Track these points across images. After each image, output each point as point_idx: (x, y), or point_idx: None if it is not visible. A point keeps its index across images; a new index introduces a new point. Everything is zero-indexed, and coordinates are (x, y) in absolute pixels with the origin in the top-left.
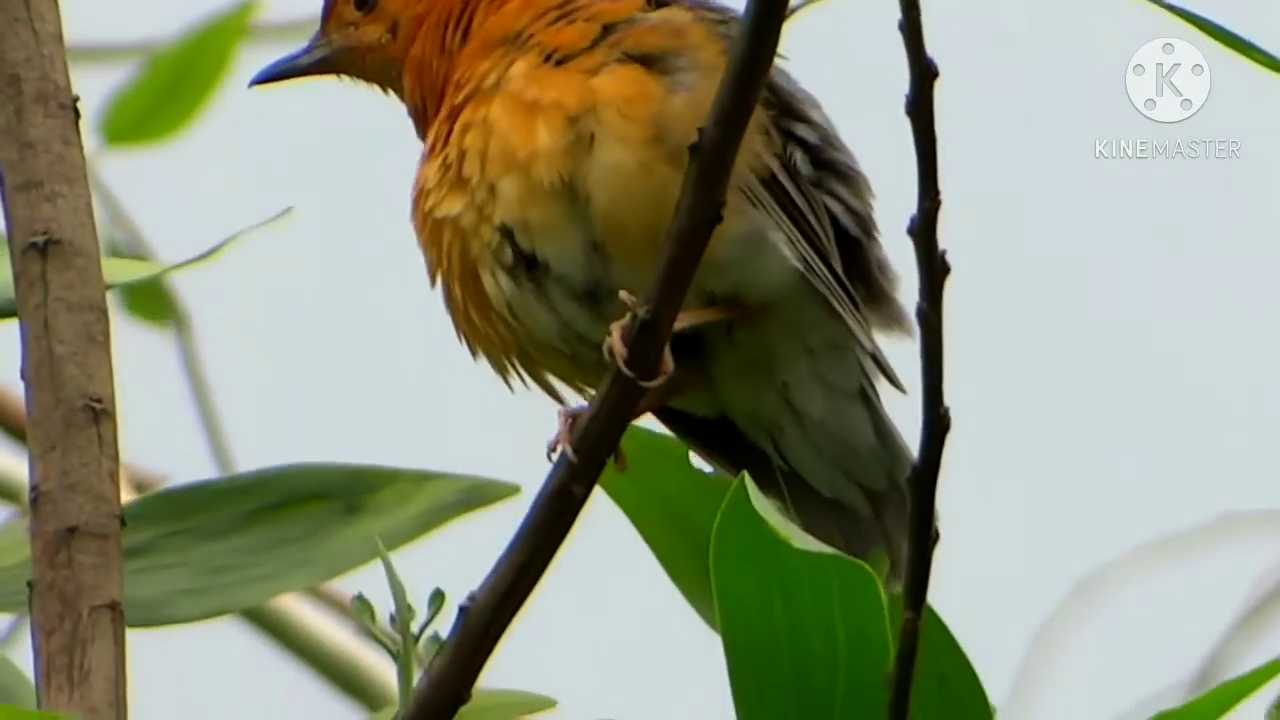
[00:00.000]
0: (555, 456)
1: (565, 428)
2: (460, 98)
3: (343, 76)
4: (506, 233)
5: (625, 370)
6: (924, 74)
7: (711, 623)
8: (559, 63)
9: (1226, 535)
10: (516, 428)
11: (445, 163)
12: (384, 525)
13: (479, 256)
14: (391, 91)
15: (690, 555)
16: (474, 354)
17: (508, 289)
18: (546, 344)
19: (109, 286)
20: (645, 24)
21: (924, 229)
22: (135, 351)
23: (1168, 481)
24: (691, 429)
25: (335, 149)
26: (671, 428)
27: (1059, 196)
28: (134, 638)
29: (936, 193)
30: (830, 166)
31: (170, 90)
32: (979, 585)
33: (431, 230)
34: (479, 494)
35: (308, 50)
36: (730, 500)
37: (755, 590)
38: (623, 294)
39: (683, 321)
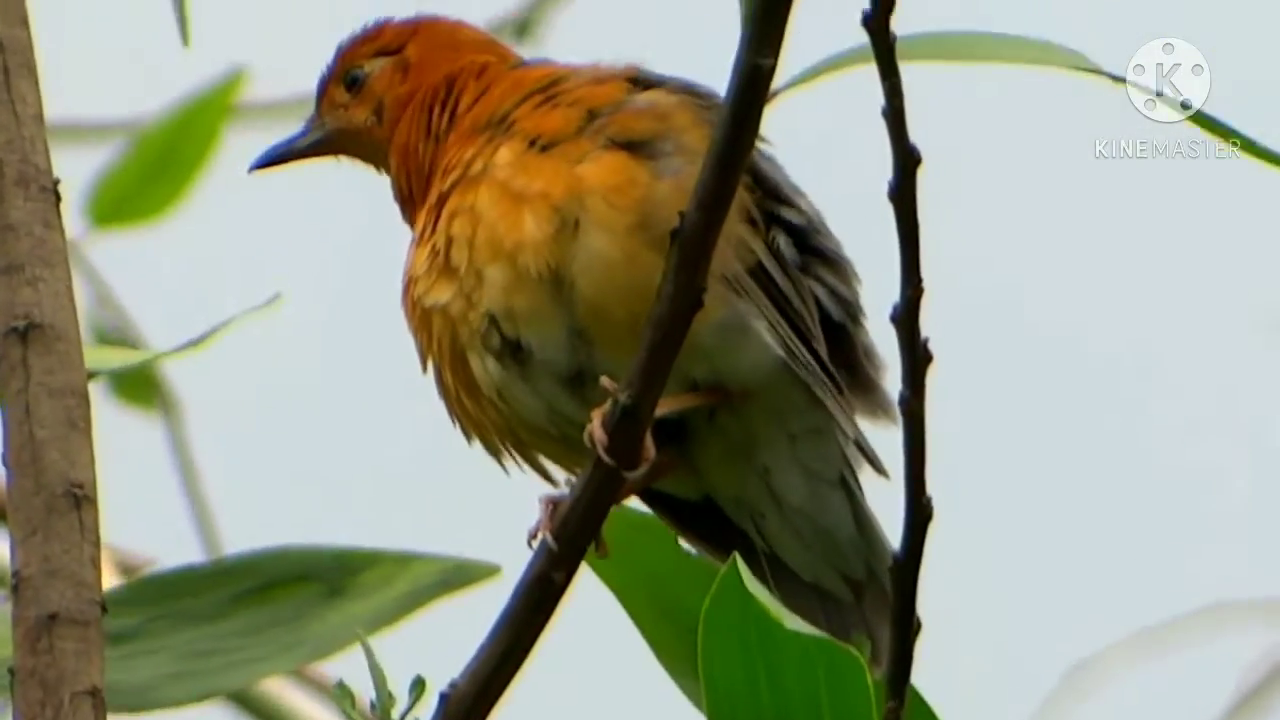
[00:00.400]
0: (535, 544)
1: (546, 515)
2: (447, 184)
3: (340, 158)
4: (493, 319)
5: (606, 458)
6: (907, 160)
7: (698, 703)
8: (544, 148)
9: (1216, 624)
10: (500, 507)
11: (434, 250)
12: (368, 607)
13: (468, 342)
14: (384, 172)
15: (677, 635)
16: (468, 438)
17: (496, 373)
18: (536, 426)
19: (95, 374)
20: (632, 108)
21: (906, 317)
22: (122, 433)
23: (1157, 570)
24: (674, 509)
25: (323, 229)
26: (654, 508)
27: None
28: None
29: (919, 280)
30: (816, 252)
31: (156, 170)
32: (969, 673)
33: (421, 317)
34: (460, 575)
35: (304, 133)
36: (722, 580)
37: (743, 672)
38: (603, 380)
39: (664, 407)
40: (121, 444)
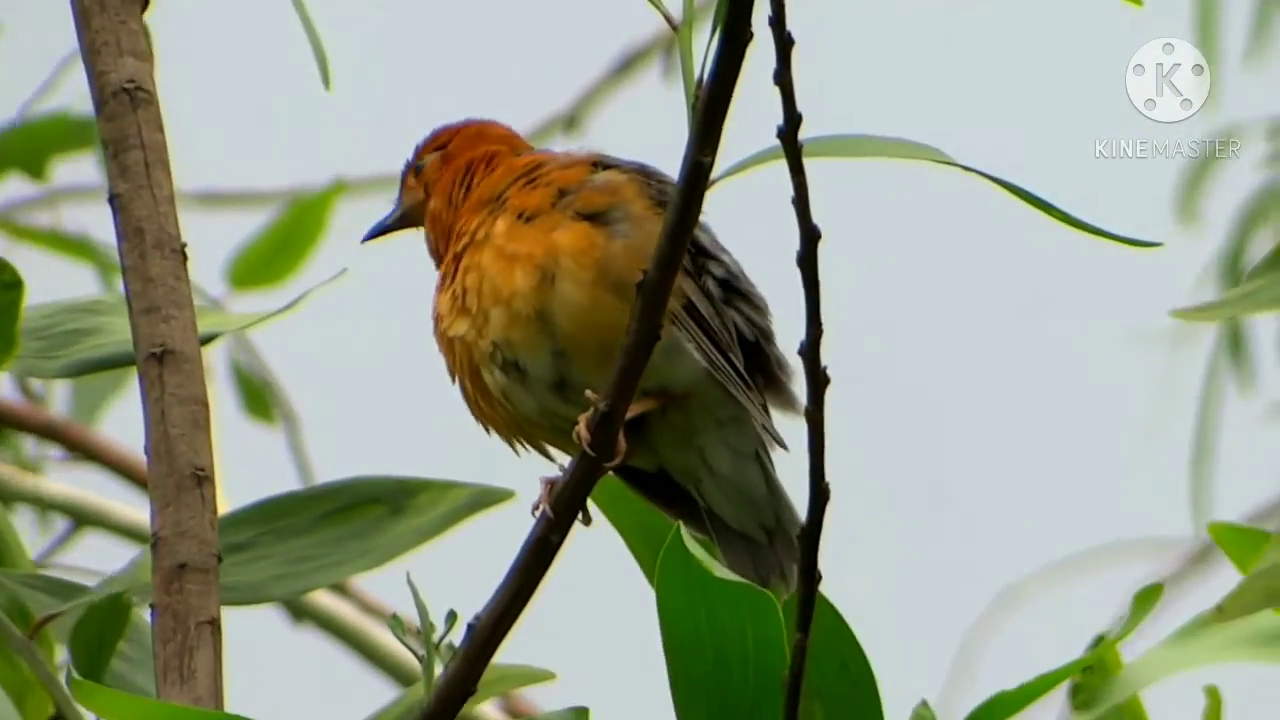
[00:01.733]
0: (538, 514)
1: (545, 492)
2: (460, 246)
3: (418, 229)
4: (496, 346)
5: (590, 452)
6: (810, 235)
7: None
8: (529, 219)
9: (1116, 557)
10: (513, 461)
11: (454, 295)
12: (420, 523)
13: (480, 361)
14: None
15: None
16: (486, 431)
17: (502, 382)
18: (533, 420)
19: (211, 338)
20: (591, 187)
21: (810, 351)
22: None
23: (1070, 512)
24: (637, 480)
25: (396, 279)
26: (622, 479)
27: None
28: (233, 638)
29: (819, 324)
30: (737, 292)
31: (278, 248)
32: (920, 597)
33: (447, 343)
34: (486, 497)
35: (391, 212)
36: (669, 542)
37: (688, 608)
38: (588, 393)
39: (632, 411)
40: (248, 445)
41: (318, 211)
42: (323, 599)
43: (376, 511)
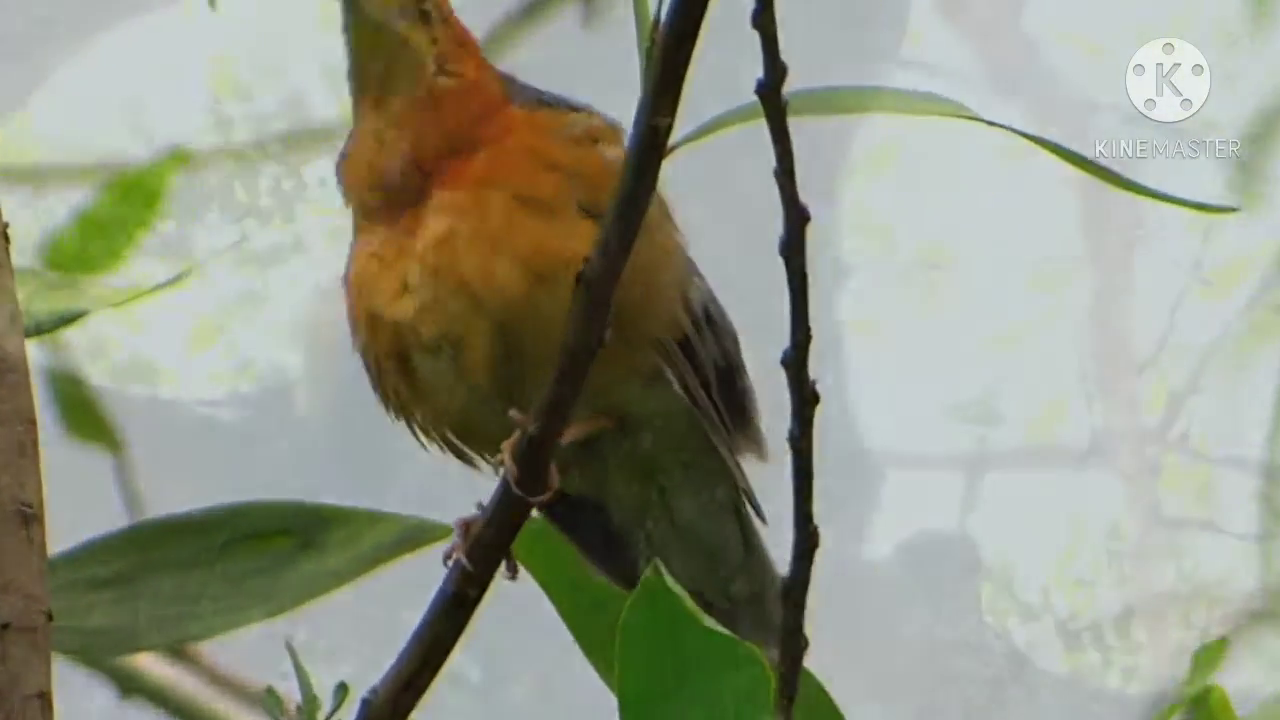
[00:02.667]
0: (450, 564)
1: (460, 538)
2: (427, 208)
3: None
4: (444, 339)
5: (516, 490)
6: (797, 218)
7: (610, 682)
8: (533, 206)
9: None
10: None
11: (401, 267)
12: (338, 561)
13: (413, 347)
14: (373, 96)
15: (590, 620)
16: (406, 422)
17: (439, 372)
18: (469, 414)
19: (73, 318)
20: (599, 170)
21: (796, 360)
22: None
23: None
24: (564, 520)
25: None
26: (544, 514)
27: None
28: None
29: (807, 328)
30: (711, 319)
31: (104, 230)
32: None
33: (369, 319)
34: (421, 533)
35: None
36: (645, 580)
37: (654, 663)
38: (512, 413)
39: (569, 435)
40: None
41: (152, 185)
42: (157, 666)
43: (283, 545)
